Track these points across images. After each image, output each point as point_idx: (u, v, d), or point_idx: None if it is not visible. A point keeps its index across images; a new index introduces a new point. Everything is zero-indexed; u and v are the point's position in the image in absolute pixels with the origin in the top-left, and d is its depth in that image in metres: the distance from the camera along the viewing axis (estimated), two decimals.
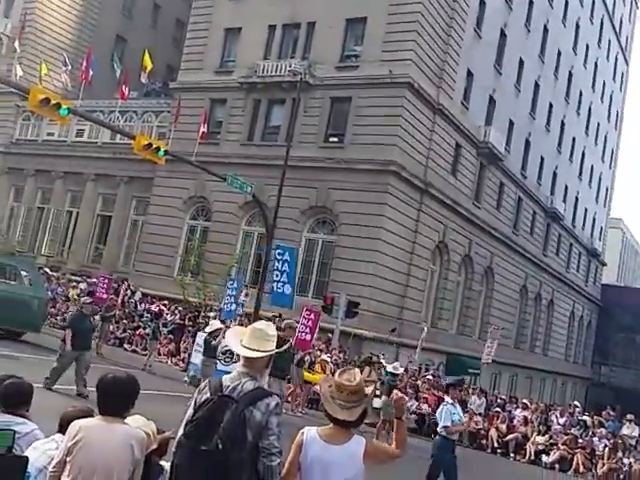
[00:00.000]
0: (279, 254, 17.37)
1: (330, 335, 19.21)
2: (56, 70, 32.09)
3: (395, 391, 3.69)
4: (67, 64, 32.01)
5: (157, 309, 22.14)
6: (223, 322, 16.59)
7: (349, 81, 23.93)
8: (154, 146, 17.34)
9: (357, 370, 3.42)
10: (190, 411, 3.30)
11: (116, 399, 3.28)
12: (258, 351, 3.35)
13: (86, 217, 30.44)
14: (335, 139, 24.35)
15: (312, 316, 15.49)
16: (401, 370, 14.97)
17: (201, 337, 15.90)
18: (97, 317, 18.96)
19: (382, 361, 18.04)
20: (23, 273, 18.09)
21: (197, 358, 15.76)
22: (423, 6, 23.49)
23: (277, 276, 17.38)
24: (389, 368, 14.83)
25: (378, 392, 13.60)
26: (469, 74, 26.87)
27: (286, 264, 17.11)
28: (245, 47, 26.95)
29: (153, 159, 18.18)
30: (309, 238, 24.18)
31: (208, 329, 14.59)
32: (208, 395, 3.28)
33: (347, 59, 24.96)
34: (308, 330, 15.36)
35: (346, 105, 24.16)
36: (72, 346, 11.41)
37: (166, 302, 23.16)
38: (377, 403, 13.22)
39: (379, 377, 15.54)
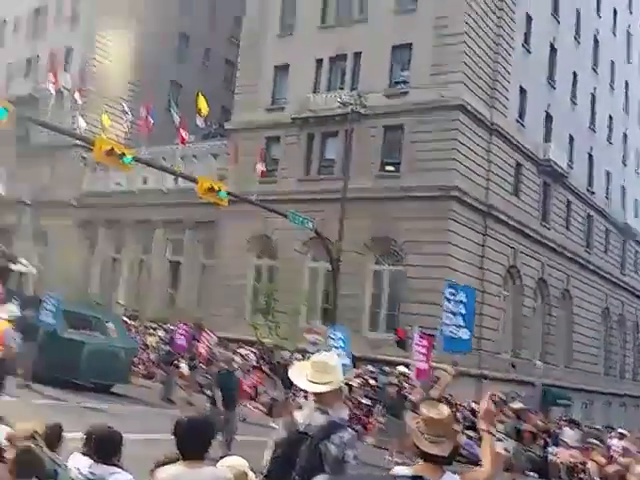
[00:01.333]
0: (451, 294, 16.72)
1: (407, 371, 19.04)
2: (117, 120, 33.43)
3: (485, 400, 3.47)
4: (127, 113, 33.34)
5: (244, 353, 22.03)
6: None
7: (400, 108, 23.80)
8: (216, 188, 17.76)
9: (445, 405, 3.32)
10: (270, 451, 3.36)
11: (195, 442, 3.30)
12: (322, 384, 3.34)
13: (158, 264, 31.41)
14: (391, 167, 24.23)
15: (425, 342, 14.70)
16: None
17: None
18: (183, 365, 19.58)
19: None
20: (109, 325, 18.73)
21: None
22: (469, 27, 23.17)
23: (449, 319, 16.48)
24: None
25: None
26: (522, 91, 26.33)
27: (461, 305, 16.19)
28: (294, 83, 27.26)
29: (216, 201, 18.62)
30: (375, 270, 24.09)
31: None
32: (284, 433, 3.33)
33: (396, 86, 24.85)
34: (424, 358, 14.45)
35: (399, 132, 24.03)
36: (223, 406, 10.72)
37: (240, 345, 23.55)
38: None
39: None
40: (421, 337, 15.07)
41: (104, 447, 3.98)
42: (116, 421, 5.24)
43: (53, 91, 34.01)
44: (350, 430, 3.34)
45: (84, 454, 4.12)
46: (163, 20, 37.64)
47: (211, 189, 17.55)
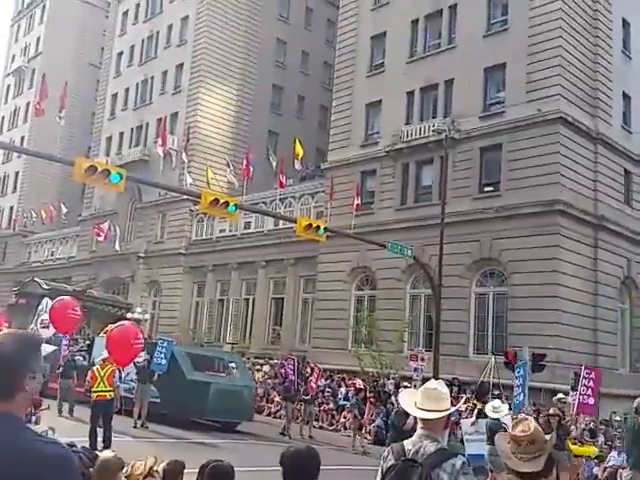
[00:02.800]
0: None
1: (498, 392, 17.97)
2: (220, 172, 35.27)
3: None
4: (229, 165, 35.18)
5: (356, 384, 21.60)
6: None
7: (496, 128, 23.46)
8: (314, 225, 18.10)
9: (531, 419, 3.23)
10: (378, 479, 3.30)
11: (301, 472, 3.25)
12: (434, 412, 3.27)
13: (261, 302, 32.14)
14: (490, 188, 23.71)
15: (593, 375, 14.07)
16: (504, 412, 12.34)
17: (473, 425, 14.05)
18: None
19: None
20: (231, 364, 19.37)
21: (476, 447, 13.56)
22: (563, 39, 22.69)
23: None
24: (488, 409, 12.45)
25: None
26: (625, 96, 25.18)
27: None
28: (387, 117, 27.70)
29: (315, 238, 18.95)
30: (478, 293, 23.29)
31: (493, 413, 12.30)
32: (392, 461, 3.25)
33: (491, 107, 24.59)
34: (590, 392, 13.74)
35: (497, 152, 23.59)
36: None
37: (344, 375, 23.32)
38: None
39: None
40: (589, 370, 14.33)
41: None
42: (230, 455, 5.31)
43: (162, 154, 37.05)
44: (462, 457, 3.28)
45: None
46: (258, 75, 39.85)
47: (309, 226, 17.88)
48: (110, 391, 12.92)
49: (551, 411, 12.74)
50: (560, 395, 15.20)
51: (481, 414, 14.20)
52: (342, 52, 30.87)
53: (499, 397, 15.68)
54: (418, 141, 25.72)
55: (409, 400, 3.50)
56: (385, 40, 28.79)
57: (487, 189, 23.82)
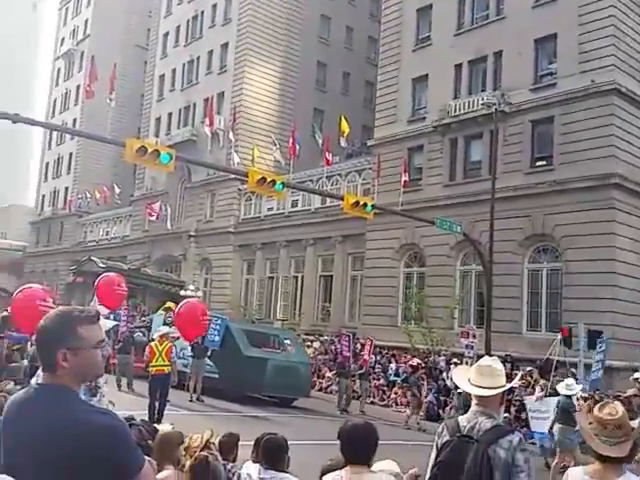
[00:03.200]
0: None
1: (573, 370, 17.79)
2: (266, 150, 35.54)
3: None
4: (275, 143, 35.40)
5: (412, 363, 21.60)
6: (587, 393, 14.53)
7: (548, 100, 22.85)
8: (361, 203, 18.12)
9: (618, 403, 3.22)
10: (433, 455, 3.32)
11: (359, 447, 3.31)
12: (490, 388, 3.28)
13: (310, 279, 32.45)
14: (543, 162, 23.21)
15: None
16: (576, 390, 12.08)
17: (538, 402, 13.91)
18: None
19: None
20: (285, 341, 19.64)
21: (539, 424, 13.50)
22: (616, 8, 21.81)
23: None
24: (561, 387, 12.04)
25: None
26: None
27: None
28: (434, 91, 27.28)
29: (362, 215, 18.97)
30: (531, 269, 22.96)
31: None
32: (447, 437, 3.27)
33: (542, 79, 23.95)
34: None
35: (549, 125, 23.02)
36: None
37: (394, 352, 23.51)
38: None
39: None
40: None
41: (272, 453, 4.14)
42: (284, 429, 5.44)
43: (209, 133, 37.49)
44: (518, 433, 3.28)
45: (254, 461, 4.33)
46: (302, 53, 39.65)
47: (357, 204, 17.87)
48: (168, 365, 13.37)
49: (630, 392, 12.33)
50: (637, 374, 14.89)
51: (543, 391, 14.14)
52: (387, 26, 30.42)
53: (574, 375, 15.51)
54: (467, 115, 25.29)
55: (462, 376, 3.51)
56: (431, 13, 28.23)
57: (539, 163, 23.33)
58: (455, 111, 25.84)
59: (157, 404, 13.02)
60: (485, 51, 25.59)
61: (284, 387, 17.15)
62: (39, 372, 2.71)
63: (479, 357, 19.01)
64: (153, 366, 13.39)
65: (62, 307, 2.28)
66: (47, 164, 61.21)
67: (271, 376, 16.92)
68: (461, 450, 3.16)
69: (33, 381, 3.07)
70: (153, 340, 14.57)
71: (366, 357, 21.19)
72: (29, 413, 2.03)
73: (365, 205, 18.16)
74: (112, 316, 19.56)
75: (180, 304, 13.60)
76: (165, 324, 21.24)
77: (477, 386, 3.32)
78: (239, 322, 25.03)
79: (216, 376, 17.85)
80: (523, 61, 24.07)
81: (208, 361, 17.99)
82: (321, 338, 26.72)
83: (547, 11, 23.69)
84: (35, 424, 1.99)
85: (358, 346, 25.70)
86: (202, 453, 3.70)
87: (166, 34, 46.77)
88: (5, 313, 12.70)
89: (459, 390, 13.85)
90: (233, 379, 17.11)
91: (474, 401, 3.34)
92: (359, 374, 20.20)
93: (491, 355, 17.08)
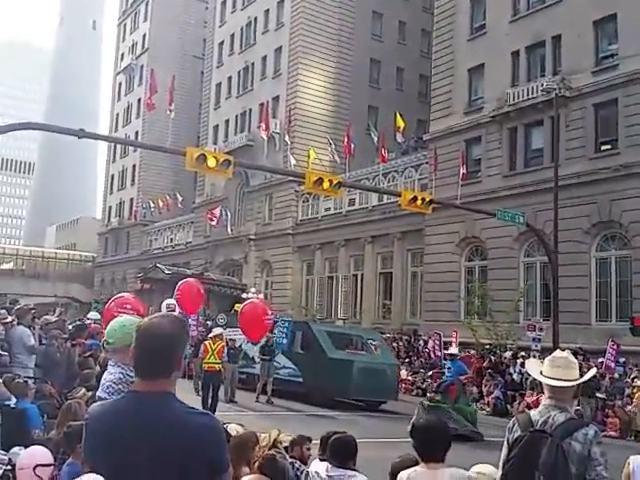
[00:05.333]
0: None
1: None
2: (322, 151, 35.66)
3: None
4: (331, 143, 35.46)
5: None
6: None
7: (611, 82, 21.98)
8: (419, 198, 17.88)
9: None
10: (504, 451, 3.24)
11: (434, 443, 3.28)
12: (564, 380, 3.18)
13: (370, 277, 32.30)
14: (608, 146, 22.32)
15: None
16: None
17: None
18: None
19: None
20: (370, 342, 19.05)
21: None
22: None
23: None
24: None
25: None
26: None
27: None
28: (491, 81, 26.72)
29: (420, 210, 18.69)
30: (599, 258, 22.08)
31: None
32: (519, 432, 3.19)
33: (603, 61, 23.06)
34: None
35: (612, 108, 22.12)
36: None
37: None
38: None
39: None
40: None
41: (340, 451, 4.14)
42: (349, 427, 5.39)
43: (265, 137, 37.97)
44: (593, 426, 3.18)
45: (321, 459, 4.34)
46: (355, 51, 39.62)
47: (414, 199, 17.64)
48: (219, 363, 14.17)
49: None
50: None
51: None
52: (440, 17, 30.04)
53: None
54: (526, 103, 24.64)
55: (536, 368, 3.44)
56: (485, 1, 27.70)
57: (604, 148, 22.44)
58: (513, 99, 25.21)
59: (210, 399, 13.57)
60: (543, 36, 24.88)
61: (371, 390, 16.39)
62: (128, 379, 2.77)
63: (545, 350, 18.45)
64: (206, 363, 14.17)
65: (172, 314, 2.43)
66: (112, 176, 63.50)
67: (358, 379, 16.20)
68: (535, 445, 3.08)
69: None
70: (206, 340, 15.27)
71: (437, 352, 20.65)
72: (152, 421, 2.11)
73: (423, 200, 17.91)
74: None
75: (243, 304, 13.84)
76: (218, 326, 21.62)
77: (551, 377, 3.23)
78: (324, 324, 24.58)
79: (300, 380, 17.45)
80: (583, 44, 23.27)
81: (292, 365, 17.82)
82: (383, 335, 26.39)
83: None
84: (156, 431, 2.10)
85: (421, 342, 25.43)
86: (270, 452, 3.76)
87: (221, 43, 47.76)
88: (79, 322, 13.26)
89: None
90: (317, 383, 16.53)
91: (546, 394, 3.26)
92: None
93: (559, 347, 16.53)
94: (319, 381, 16.48)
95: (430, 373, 15.26)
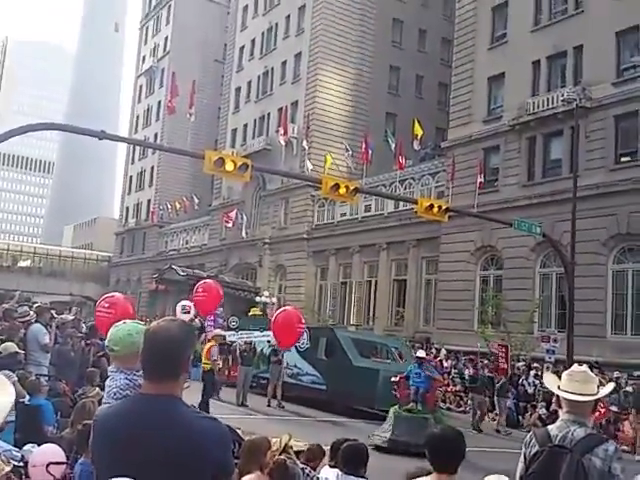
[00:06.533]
0: None
1: None
2: (340, 156, 35.70)
3: None
4: (348, 149, 35.49)
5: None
6: None
7: (632, 94, 21.79)
8: (436, 206, 17.81)
9: None
10: (521, 465, 3.21)
11: (447, 454, 3.23)
12: (583, 395, 3.14)
13: (384, 284, 32.23)
14: (627, 158, 22.13)
15: None
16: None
17: None
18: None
19: None
20: (394, 350, 18.74)
21: None
22: None
23: None
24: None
25: None
26: None
27: None
28: (511, 90, 26.61)
29: (436, 218, 18.59)
30: (616, 270, 21.86)
31: None
32: (537, 447, 3.15)
33: (625, 72, 22.88)
34: None
35: (633, 120, 21.93)
36: None
37: (471, 357, 22.91)
38: None
39: None
40: None
41: (351, 458, 4.15)
42: (359, 434, 5.39)
43: (283, 142, 38.09)
44: (613, 442, 3.15)
45: (332, 466, 4.36)
46: (374, 57, 39.64)
47: (431, 207, 17.54)
48: (207, 364, 14.68)
49: None
50: None
51: None
52: (461, 26, 29.99)
53: None
54: (546, 112, 24.50)
55: (553, 382, 3.39)
56: (507, 9, 27.62)
57: (624, 159, 22.25)
58: (533, 109, 25.08)
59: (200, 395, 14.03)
60: (564, 46, 24.75)
61: (393, 399, 15.48)
62: (141, 381, 2.82)
63: (559, 362, 18.27)
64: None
65: (177, 319, 2.44)
66: (131, 177, 64.04)
67: (383, 389, 15.38)
68: (554, 460, 3.04)
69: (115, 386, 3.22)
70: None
71: (504, 366, 19.27)
72: (157, 423, 2.14)
73: (439, 208, 17.82)
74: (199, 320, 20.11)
75: (277, 312, 13.88)
76: (230, 329, 21.65)
77: (570, 392, 3.19)
78: (349, 330, 23.96)
79: (323, 387, 17.08)
80: (604, 55, 23.10)
81: (315, 372, 17.54)
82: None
83: (628, 2, 22.63)
84: (162, 433, 2.13)
85: (433, 351, 25.27)
86: (281, 457, 3.75)
87: (242, 47, 48.04)
88: (92, 322, 13.43)
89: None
90: (342, 391, 16.06)
91: (565, 409, 3.21)
92: (498, 388, 18.23)
93: (574, 360, 16.36)
94: (343, 389, 16.04)
95: (396, 379, 14.40)
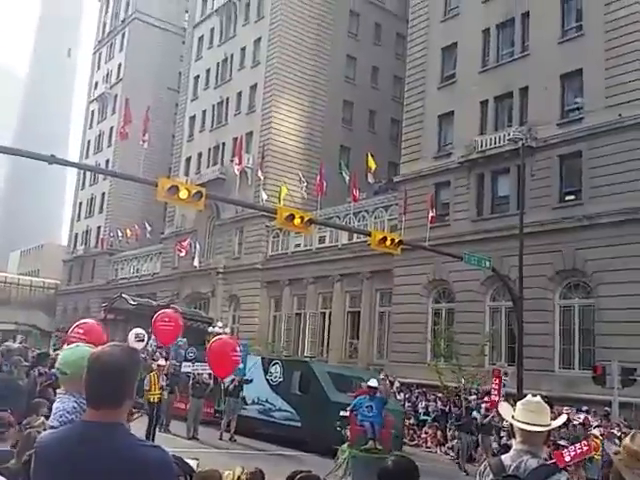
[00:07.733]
0: None
1: (607, 409, 17.31)
2: (294, 187, 35.92)
3: None
4: (303, 180, 35.76)
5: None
6: None
7: (576, 135, 22.83)
8: (389, 238, 18.12)
9: None
10: None
11: None
12: (537, 425, 3.20)
13: (338, 315, 32.36)
14: (571, 197, 23.06)
15: None
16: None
17: None
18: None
19: None
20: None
21: None
22: None
23: None
24: None
25: None
26: None
27: None
28: (460, 128, 27.47)
29: (390, 251, 18.89)
30: (563, 305, 22.59)
31: None
32: (491, 477, 3.19)
33: (569, 114, 23.97)
34: None
35: (577, 160, 22.93)
36: None
37: (424, 389, 23.15)
38: None
39: None
40: None
41: None
42: (315, 467, 5.42)
43: (238, 172, 38.12)
44: (565, 472, 3.27)
45: None
46: (329, 92, 40.35)
47: (384, 240, 17.81)
48: (157, 394, 14.67)
49: None
50: None
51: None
52: (412, 65, 30.89)
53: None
54: (493, 151, 25.36)
55: (509, 412, 3.42)
56: (456, 51, 28.64)
57: (568, 198, 23.18)
58: (481, 147, 25.92)
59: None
60: (511, 87, 25.77)
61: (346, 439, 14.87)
62: (83, 408, 2.73)
63: (509, 395, 18.62)
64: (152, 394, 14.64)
65: (119, 343, 2.38)
66: (80, 203, 62.70)
67: None
68: None
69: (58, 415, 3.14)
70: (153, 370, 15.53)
71: (495, 398, 17.75)
72: (96, 451, 2.08)
73: (392, 241, 18.12)
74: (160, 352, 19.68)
75: (212, 340, 13.74)
76: (187, 360, 21.24)
77: (524, 422, 3.24)
78: (324, 364, 22.75)
79: (298, 424, 16.20)
80: (549, 96, 24.15)
81: (289, 407, 16.72)
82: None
83: (573, 46, 23.85)
84: (101, 462, 2.07)
85: (387, 384, 25.33)
86: None
87: (197, 77, 48.11)
88: (43, 350, 13.09)
89: None
90: (318, 429, 15.13)
91: (518, 439, 3.26)
92: (482, 425, 17.56)
93: (524, 393, 16.73)
94: (320, 426, 15.10)
95: (346, 413, 13.75)
